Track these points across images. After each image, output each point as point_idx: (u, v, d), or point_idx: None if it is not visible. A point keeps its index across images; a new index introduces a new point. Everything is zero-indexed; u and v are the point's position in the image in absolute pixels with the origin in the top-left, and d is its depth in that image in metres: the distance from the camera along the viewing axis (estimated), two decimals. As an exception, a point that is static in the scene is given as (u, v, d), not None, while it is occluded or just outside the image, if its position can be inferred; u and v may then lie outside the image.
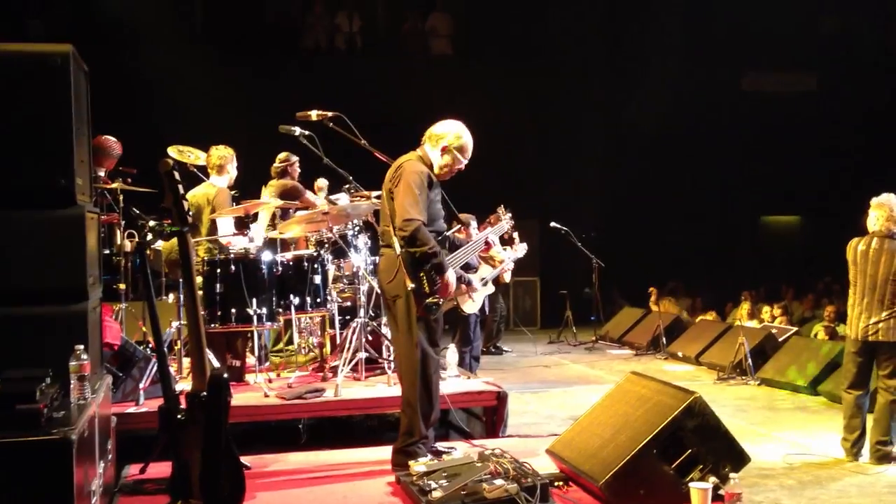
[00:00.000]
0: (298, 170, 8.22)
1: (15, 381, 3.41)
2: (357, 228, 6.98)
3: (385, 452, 5.10)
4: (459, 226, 7.12)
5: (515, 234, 10.11)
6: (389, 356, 6.69)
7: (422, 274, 4.65)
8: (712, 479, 4.33)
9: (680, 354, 10.73)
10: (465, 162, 4.97)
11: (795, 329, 10.35)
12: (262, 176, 8.20)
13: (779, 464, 5.78)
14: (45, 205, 4.02)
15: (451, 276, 4.75)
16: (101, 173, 6.95)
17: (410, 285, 4.62)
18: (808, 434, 6.70)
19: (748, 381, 8.97)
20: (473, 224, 7.96)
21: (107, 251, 6.69)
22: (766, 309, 11.97)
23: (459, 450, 5.31)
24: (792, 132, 16.16)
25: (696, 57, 15.77)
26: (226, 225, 6.67)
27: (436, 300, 4.71)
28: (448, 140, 4.90)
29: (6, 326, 3.79)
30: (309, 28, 15.54)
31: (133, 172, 7.26)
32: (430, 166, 4.89)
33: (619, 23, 15.94)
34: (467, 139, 4.93)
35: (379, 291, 6.78)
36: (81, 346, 3.75)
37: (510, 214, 5.83)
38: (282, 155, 8.14)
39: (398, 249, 4.66)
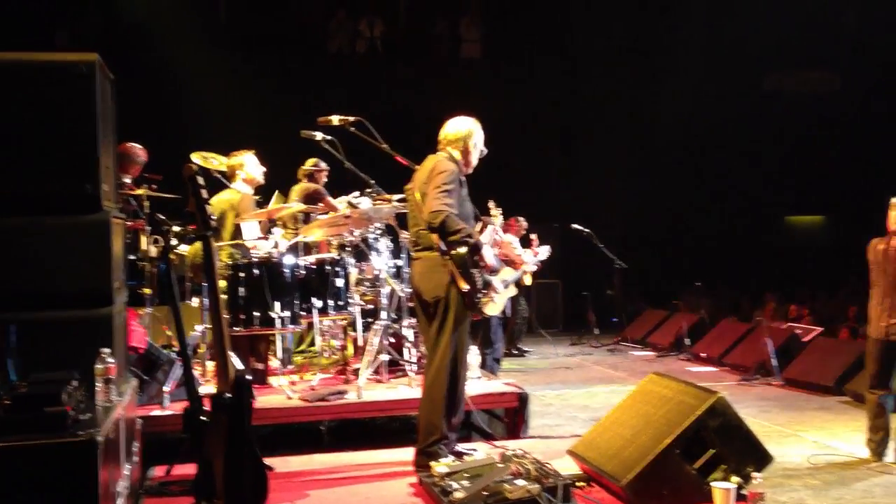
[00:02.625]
0: (326, 178, 8.29)
1: (42, 384, 3.44)
2: (379, 232, 7.01)
3: (407, 454, 5.13)
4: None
5: (534, 236, 10.18)
6: (411, 358, 6.72)
7: (474, 273, 4.71)
8: (735, 478, 4.32)
9: (703, 355, 10.67)
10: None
11: (820, 329, 10.27)
12: (284, 180, 8.25)
13: (803, 464, 5.74)
14: (71, 210, 4.07)
15: (487, 252, 4.90)
16: (127, 180, 7.02)
17: (465, 287, 4.67)
18: (832, 434, 6.66)
19: (772, 382, 8.92)
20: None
21: (132, 257, 6.76)
22: (792, 308, 11.90)
23: (481, 451, 5.32)
24: (815, 132, 16.06)
25: (719, 57, 15.70)
26: (250, 229, 6.73)
27: (484, 299, 4.81)
28: (472, 139, 5.04)
29: (34, 330, 3.83)
30: (332, 34, 15.64)
31: (158, 179, 7.33)
32: (458, 166, 4.97)
33: (643, 25, 15.91)
34: (479, 128, 5.09)
35: (404, 294, 6.87)
36: (107, 350, 3.79)
37: (500, 210, 5.87)
38: (311, 160, 8.20)
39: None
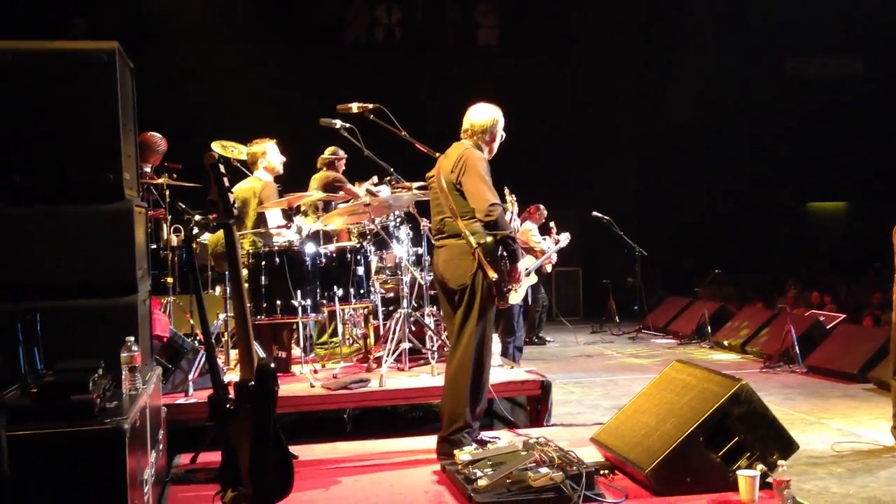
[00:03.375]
0: (344, 166, 8.31)
1: (68, 373, 3.47)
2: (399, 220, 7.01)
3: (430, 442, 5.13)
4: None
5: (552, 224, 10.16)
6: (433, 346, 6.73)
7: (503, 263, 4.70)
8: (760, 466, 4.29)
9: (725, 343, 10.63)
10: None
11: (843, 316, 10.19)
12: (303, 169, 8.26)
13: (827, 452, 5.71)
14: (94, 200, 4.08)
15: (521, 264, 4.91)
16: (147, 169, 7.05)
17: (493, 276, 4.66)
18: (857, 422, 6.61)
19: (795, 370, 8.86)
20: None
21: (154, 246, 6.79)
22: (814, 295, 11.82)
23: (504, 439, 5.32)
24: (838, 116, 15.87)
25: (738, 41, 15.55)
26: (273, 217, 6.74)
27: (512, 288, 4.82)
28: (496, 127, 5.04)
29: (59, 319, 3.85)
30: (349, 22, 15.61)
31: (178, 168, 7.35)
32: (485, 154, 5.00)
33: (659, 8, 15.78)
34: (501, 115, 5.09)
35: (424, 282, 6.88)
36: (132, 338, 3.81)
37: (514, 197, 5.83)
38: (330, 148, 8.22)
39: (473, 241, 4.71)
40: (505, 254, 4.75)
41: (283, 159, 7.04)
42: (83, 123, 4.08)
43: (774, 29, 15.55)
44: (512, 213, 5.59)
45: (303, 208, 7.52)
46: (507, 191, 5.89)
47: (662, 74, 15.45)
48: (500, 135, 5.09)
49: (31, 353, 3.66)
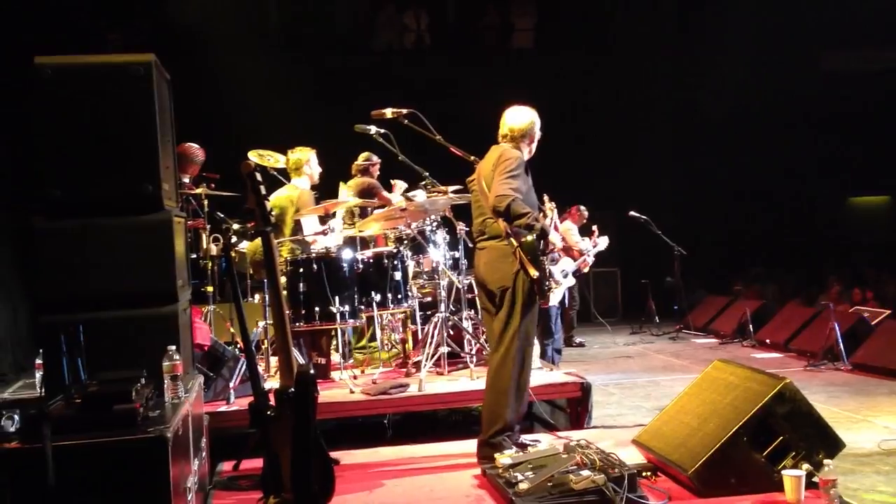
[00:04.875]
0: (378, 171, 8.34)
1: (111, 382, 3.52)
2: (435, 224, 7.02)
3: (470, 445, 5.12)
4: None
5: (594, 227, 10.11)
6: (471, 350, 6.72)
7: (542, 259, 4.70)
8: (805, 466, 4.23)
9: (768, 341, 10.49)
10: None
11: (888, 311, 10.01)
12: (339, 175, 8.30)
13: (874, 450, 5.60)
14: (134, 211, 4.15)
15: (554, 236, 4.86)
16: (186, 179, 7.12)
17: (535, 273, 4.65)
18: (905, 419, 6.50)
19: (840, 367, 8.72)
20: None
21: (194, 255, 6.86)
22: (856, 292, 11.63)
23: (545, 442, 5.30)
24: (876, 110, 15.61)
25: (773, 37, 15.35)
26: (310, 224, 6.78)
27: (552, 286, 4.81)
28: (534, 129, 5.06)
29: (101, 329, 3.91)
30: (380, 29, 15.67)
31: (216, 178, 7.42)
32: (523, 154, 4.99)
33: (694, 5, 15.64)
34: (537, 116, 5.09)
35: (462, 286, 6.87)
36: (174, 347, 3.86)
37: (553, 204, 5.81)
38: (364, 154, 8.25)
39: (513, 239, 4.71)
40: (540, 243, 4.73)
41: (320, 170, 7.11)
42: (122, 136, 4.15)
43: (811, 22, 15.31)
44: (552, 218, 5.56)
45: (339, 215, 7.56)
46: (546, 198, 5.89)
47: (698, 71, 15.29)
48: (539, 133, 5.09)
49: (74, 364, 3.71)
